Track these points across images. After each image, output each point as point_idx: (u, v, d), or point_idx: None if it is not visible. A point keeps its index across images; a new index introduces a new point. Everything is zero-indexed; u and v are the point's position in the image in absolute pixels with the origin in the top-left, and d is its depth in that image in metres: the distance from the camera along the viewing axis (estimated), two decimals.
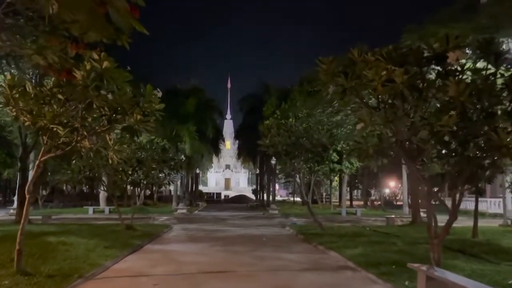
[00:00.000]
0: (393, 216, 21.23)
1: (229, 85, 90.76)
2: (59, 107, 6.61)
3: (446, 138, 5.88)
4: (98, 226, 16.68)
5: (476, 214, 14.56)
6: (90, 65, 6.11)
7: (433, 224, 6.88)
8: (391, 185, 50.11)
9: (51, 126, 6.57)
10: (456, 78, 5.96)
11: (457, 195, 6.53)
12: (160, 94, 7.33)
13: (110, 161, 7.84)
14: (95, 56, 6.12)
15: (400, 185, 53.64)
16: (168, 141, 25.24)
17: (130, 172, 14.33)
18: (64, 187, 46.78)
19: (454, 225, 19.69)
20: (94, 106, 6.66)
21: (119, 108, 6.79)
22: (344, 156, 26.86)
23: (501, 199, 29.45)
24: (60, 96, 6.57)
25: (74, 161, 13.91)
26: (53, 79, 6.70)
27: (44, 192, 40.38)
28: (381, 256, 9.60)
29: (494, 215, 27.24)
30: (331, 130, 16.49)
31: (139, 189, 17.27)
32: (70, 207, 35.75)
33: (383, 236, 13.69)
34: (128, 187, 17.88)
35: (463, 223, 21.07)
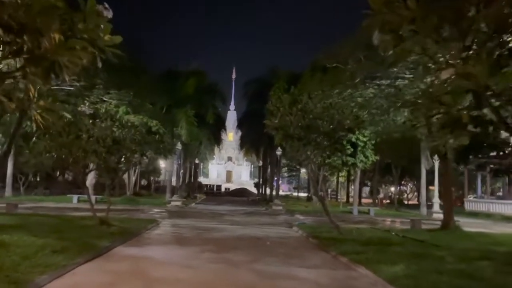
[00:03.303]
0: (419, 218, 18.30)
1: (233, 76, 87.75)
2: None
3: None
4: (68, 219, 13.89)
5: None
6: None
7: None
8: (405, 183, 47.17)
9: None
10: None
11: None
12: (110, 14, 4.42)
13: (34, 126, 4.96)
14: None
15: (411, 184, 50.72)
16: (163, 125, 22.44)
17: (104, 155, 11.42)
18: (58, 173, 44.01)
19: (488, 231, 16.42)
20: None
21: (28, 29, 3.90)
22: (359, 147, 23.87)
23: None
24: None
25: (33, 140, 11.08)
26: None
27: (32, 178, 37.87)
28: (436, 280, 6.71)
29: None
30: (357, 112, 13.46)
31: (115, 176, 14.38)
32: (59, 195, 32.96)
33: (420, 246, 10.76)
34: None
35: (492, 228, 18.17)
